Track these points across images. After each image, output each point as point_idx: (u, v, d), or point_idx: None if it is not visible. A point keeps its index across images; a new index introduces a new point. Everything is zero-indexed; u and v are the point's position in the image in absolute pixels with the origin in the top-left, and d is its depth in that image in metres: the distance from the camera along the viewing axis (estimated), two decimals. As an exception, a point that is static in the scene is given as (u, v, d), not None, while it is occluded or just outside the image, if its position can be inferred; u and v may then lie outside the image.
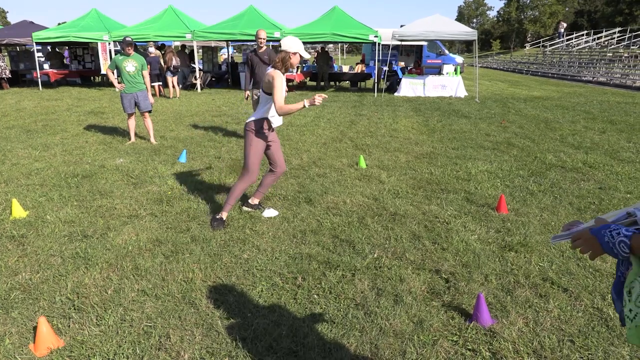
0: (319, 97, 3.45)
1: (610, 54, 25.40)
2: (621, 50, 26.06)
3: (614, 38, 29.99)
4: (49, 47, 20.42)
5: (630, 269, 1.14)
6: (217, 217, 4.06)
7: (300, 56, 3.77)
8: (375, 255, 3.49)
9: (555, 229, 4.02)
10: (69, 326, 2.61)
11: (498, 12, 63.22)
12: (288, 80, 16.54)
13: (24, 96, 14.63)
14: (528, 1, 55.55)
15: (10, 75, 17.02)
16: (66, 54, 21.83)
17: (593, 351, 2.41)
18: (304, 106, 3.60)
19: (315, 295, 2.94)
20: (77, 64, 19.60)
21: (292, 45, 3.73)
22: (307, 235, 3.87)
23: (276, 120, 4.02)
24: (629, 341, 1.16)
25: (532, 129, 8.89)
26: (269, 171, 4.26)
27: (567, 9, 58.03)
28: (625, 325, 1.17)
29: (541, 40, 40.80)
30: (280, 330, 2.58)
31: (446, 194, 4.96)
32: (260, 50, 6.96)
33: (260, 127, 3.91)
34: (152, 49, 14.63)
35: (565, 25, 38.42)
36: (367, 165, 6.19)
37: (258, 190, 4.38)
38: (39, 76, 16.85)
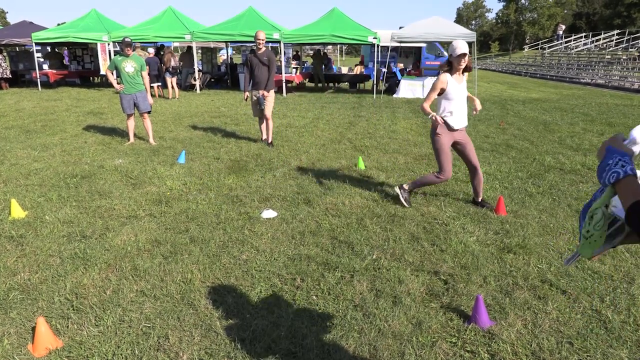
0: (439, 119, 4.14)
1: (609, 57, 25.47)
2: (619, 53, 26.13)
3: (613, 40, 30.06)
4: (48, 48, 20.39)
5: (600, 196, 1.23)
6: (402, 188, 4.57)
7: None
8: (374, 257, 3.49)
9: (554, 230, 4.02)
10: (68, 327, 2.61)
11: (497, 14, 63.34)
12: (287, 82, 16.55)
13: (23, 96, 14.61)
14: (527, 3, 55.69)
15: (10, 76, 17.01)
16: (65, 54, 21.81)
17: (592, 353, 2.41)
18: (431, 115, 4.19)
19: (314, 297, 2.94)
20: (76, 64, 19.58)
21: (459, 47, 3.98)
22: (306, 236, 3.87)
23: (454, 121, 4.26)
24: (581, 253, 1.29)
25: (531, 131, 8.91)
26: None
27: (565, 11, 58.17)
28: (580, 242, 1.29)
29: (540, 42, 40.90)
30: (279, 331, 2.58)
31: (445, 195, 4.97)
32: (259, 52, 6.96)
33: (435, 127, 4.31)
34: (150, 50, 14.65)
35: (563, 27, 38.50)
36: (366, 166, 6.19)
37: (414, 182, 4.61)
38: (38, 76, 16.83)
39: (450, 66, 4.15)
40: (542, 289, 3.03)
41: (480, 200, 4.63)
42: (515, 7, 55.89)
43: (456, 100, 4.18)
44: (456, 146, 4.41)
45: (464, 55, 3.98)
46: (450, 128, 4.27)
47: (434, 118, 4.15)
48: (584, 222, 1.27)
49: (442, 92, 4.19)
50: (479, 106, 4.25)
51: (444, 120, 4.22)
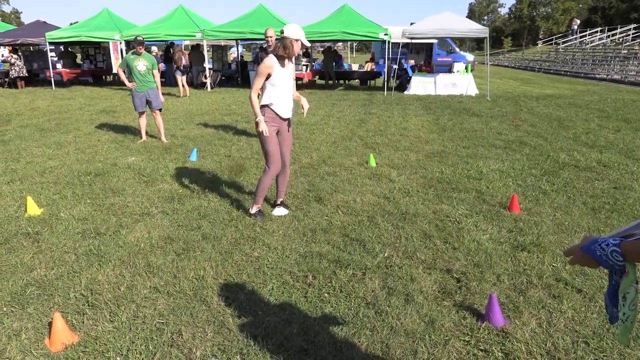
0: (266, 132, 3.86)
1: (625, 51, 25.01)
2: (636, 48, 25.65)
3: (629, 35, 29.50)
4: (61, 47, 20.65)
5: (625, 275, 1.18)
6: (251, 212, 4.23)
7: (302, 44, 3.76)
8: (386, 255, 3.48)
9: (569, 229, 3.97)
10: (83, 322, 2.64)
11: (510, 9, 62.61)
12: (297, 79, 16.53)
13: (37, 95, 14.82)
14: (540, -2, 54.97)
15: (26, 75, 17.28)
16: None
17: (608, 353, 2.38)
18: (257, 119, 3.88)
19: (326, 294, 2.94)
20: (89, 63, 19.80)
21: (294, 32, 3.71)
22: (317, 233, 3.87)
23: (281, 109, 3.96)
24: (620, 340, 1.24)
25: (545, 128, 8.80)
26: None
27: (580, 5, 57.26)
28: (616, 324, 1.24)
29: (554, 37, 40.32)
30: (291, 328, 2.58)
31: (457, 193, 4.93)
32: (270, 49, 6.97)
33: (263, 114, 3.93)
34: (154, 48, 14.74)
35: (578, 22, 37.90)
36: (377, 164, 6.17)
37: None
38: (52, 75, 17.06)
39: (280, 50, 3.78)
40: (556, 287, 3.00)
41: (279, 202, 4.37)
42: (529, 1, 55.16)
43: (281, 87, 3.90)
44: (277, 137, 4.11)
45: (297, 40, 3.72)
46: (279, 117, 3.98)
47: (259, 121, 3.86)
48: (618, 304, 1.22)
49: (268, 77, 3.85)
50: (305, 105, 4.01)
51: (272, 109, 3.93)
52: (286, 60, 3.91)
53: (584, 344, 2.45)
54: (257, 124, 3.91)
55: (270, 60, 3.79)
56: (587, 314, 2.71)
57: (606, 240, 1.15)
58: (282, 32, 3.75)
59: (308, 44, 3.84)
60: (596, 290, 2.95)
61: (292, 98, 4.10)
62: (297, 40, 3.73)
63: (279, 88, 3.90)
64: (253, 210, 4.22)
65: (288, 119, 4.12)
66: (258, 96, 3.93)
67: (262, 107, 3.93)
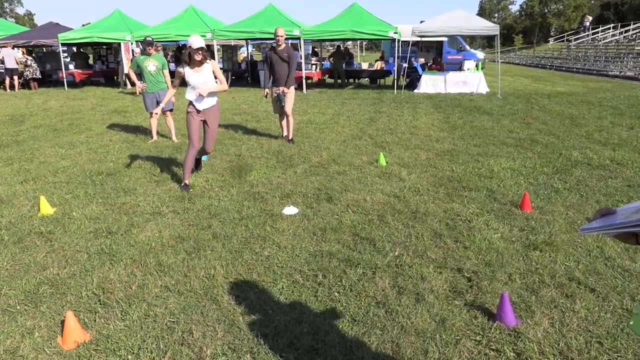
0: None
1: (639, 48, 24.61)
2: (650, 44, 25.22)
3: (643, 31, 29.02)
4: (74, 48, 20.88)
5: None
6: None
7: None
8: (396, 254, 3.47)
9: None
10: (95, 320, 2.67)
11: (521, 6, 61.97)
12: (307, 78, 16.53)
13: (50, 96, 15.01)
14: (552, -6, 54.29)
15: (40, 76, 17.50)
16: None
17: (622, 353, 2.34)
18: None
19: (336, 293, 2.93)
20: (100, 64, 19.99)
21: (195, 42, 4.71)
22: (327, 232, 3.87)
23: (199, 102, 5.00)
24: (635, 331, 1.20)
25: (557, 125, 8.69)
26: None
27: (592, 1, 56.48)
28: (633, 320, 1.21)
29: (565, 34, 39.81)
30: (302, 327, 2.58)
31: (468, 191, 4.89)
32: (279, 48, 6.97)
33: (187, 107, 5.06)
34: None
35: (590, 18, 37.36)
36: (387, 162, 6.15)
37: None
38: (64, 76, 17.26)
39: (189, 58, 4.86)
40: (569, 287, 2.96)
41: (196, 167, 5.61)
42: (540, -2, 54.56)
43: (196, 87, 4.94)
44: (204, 124, 5.16)
45: (198, 49, 4.73)
46: (196, 109, 5.03)
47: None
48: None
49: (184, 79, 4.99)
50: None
51: (190, 102, 5.00)
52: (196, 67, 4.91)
53: (598, 344, 2.41)
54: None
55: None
56: (600, 313, 2.67)
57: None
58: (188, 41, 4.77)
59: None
60: (610, 289, 2.91)
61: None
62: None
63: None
64: (187, 181, 5.09)
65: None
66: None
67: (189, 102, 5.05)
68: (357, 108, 11.50)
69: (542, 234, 3.78)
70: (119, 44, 17.06)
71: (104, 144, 7.52)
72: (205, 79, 4.94)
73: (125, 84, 17.56)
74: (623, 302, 2.78)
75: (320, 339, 2.48)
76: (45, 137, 8.15)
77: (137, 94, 7.36)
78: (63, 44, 16.95)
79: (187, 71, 4.88)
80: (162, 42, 17.60)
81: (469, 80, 15.09)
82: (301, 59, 15.70)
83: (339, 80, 18.17)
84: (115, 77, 20.80)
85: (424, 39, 18.99)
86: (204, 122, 5.10)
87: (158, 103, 7.40)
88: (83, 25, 21.07)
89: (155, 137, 7.73)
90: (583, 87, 16.37)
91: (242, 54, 26.94)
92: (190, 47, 4.75)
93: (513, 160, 6.14)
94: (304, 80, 15.70)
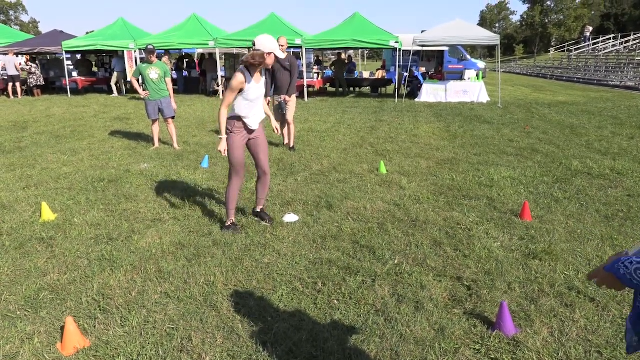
0: (224, 152, 3.86)
1: (639, 58, 24.71)
2: (650, 54, 25.32)
3: (643, 42, 29.16)
4: (78, 56, 21.02)
5: None
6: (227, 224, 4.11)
7: (275, 56, 3.69)
8: (396, 262, 3.47)
9: (582, 237, 3.92)
10: (95, 327, 2.67)
11: (521, 16, 62.36)
12: (308, 86, 16.62)
13: (53, 103, 15.10)
14: (552, 5, 54.62)
15: (43, 83, 17.62)
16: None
17: (621, 363, 2.34)
18: (222, 136, 3.84)
19: (336, 301, 2.94)
20: (104, 71, 20.12)
21: (267, 44, 3.61)
22: (327, 240, 3.87)
23: (251, 122, 3.90)
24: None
25: (557, 135, 8.72)
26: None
27: (593, 12, 56.78)
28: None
29: (566, 44, 39.99)
30: (301, 334, 2.58)
31: (468, 200, 4.90)
32: (281, 57, 7.03)
33: (232, 126, 3.85)
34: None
35: (591, 29, 37.55)
36: (387, 171, 6.17)
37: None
38: (67, 83, 17.37)
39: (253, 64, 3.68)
40: (569, 296, 2.96)
41: (259, 210, 4.33)
42: (541, 9, 54.89)
43: (255, 101, 3.83)
44: (249, 144, 4.07)
45: (270, 53, 3.66)
46: (248, 129, 3.91)
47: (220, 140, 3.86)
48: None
49: (240, 91, 3.74)
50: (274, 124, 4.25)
51: (243, 122, 3.85)
52: (257, 74, 3.81)
53: (597, 354, 2.41)
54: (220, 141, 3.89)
55: (242, 76, 3.67)
56: (600, 323, 2.67)
57: (630, 258, 1.09)
58: (253, 44, 3.63)
59: (282, 55, 3.79)
60: (609, 299, 2.91)
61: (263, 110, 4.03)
62: (269, 53, 3.63)
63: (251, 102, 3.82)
64: (227, 223, 4.11)
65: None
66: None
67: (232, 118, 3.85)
68: (358, 116, 11.55)
69: (542, 243, 3.79)
70: (118, 52, 17.20)
71: (106, 150, 7.55)
72: (263, 92, 3.90)
73: (112, 91, 17.81)
74: (623, 312, 2.77)
75: (319, 347, 2.48)
76: (47, 143, 8.19)
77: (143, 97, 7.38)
78: (67, 52, 17.08)
79: (251, 85, 3.72)
80: (172, 50, 17.70)
81: (469, 89, 15.16)
82: (303, 67, 15.80)
83: (341, 89, 18.26)
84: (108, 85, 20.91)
85: (425, 48, 19.09)
86: (250, 142, 4.05)
87: (160, 110, 7.45)
88: (87, 33, 21.24)
89: (157, 144, 7.76)
90: (583, 97, 16.42)
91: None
92: (259, 50, 3.60)
93: (513, 169, 6.15)
94: (305, 89, 15.78)
